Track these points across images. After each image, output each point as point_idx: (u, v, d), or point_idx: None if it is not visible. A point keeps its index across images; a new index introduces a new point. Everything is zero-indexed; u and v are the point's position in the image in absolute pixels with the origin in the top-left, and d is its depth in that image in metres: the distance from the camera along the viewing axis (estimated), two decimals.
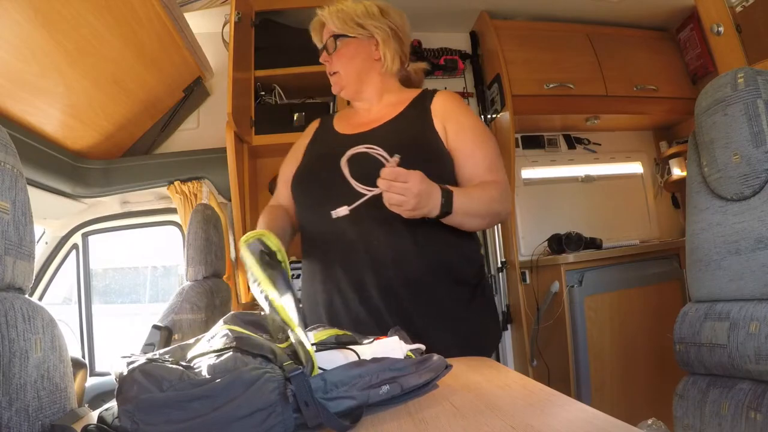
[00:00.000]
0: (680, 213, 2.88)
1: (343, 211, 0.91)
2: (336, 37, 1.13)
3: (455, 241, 1.03)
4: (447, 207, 0.91)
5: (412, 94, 1.16)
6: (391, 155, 0.89)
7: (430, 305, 0.99)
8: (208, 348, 0.56)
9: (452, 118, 1.07)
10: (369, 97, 1.17)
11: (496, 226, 2.62)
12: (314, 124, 1.25)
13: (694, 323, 0.96)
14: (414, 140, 1.04)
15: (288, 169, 1.17)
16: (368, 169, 0.89)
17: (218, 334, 0.58)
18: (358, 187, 0.90)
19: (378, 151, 0.91)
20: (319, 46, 1.19)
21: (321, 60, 1.17)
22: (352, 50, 1.13)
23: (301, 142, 1.22)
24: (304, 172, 1.12)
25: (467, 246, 1.07)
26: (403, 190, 0.85)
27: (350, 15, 1.12)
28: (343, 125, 1.18)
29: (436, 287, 1.00)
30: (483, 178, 1.03)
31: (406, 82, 1.24)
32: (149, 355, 0.55)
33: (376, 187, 0.87)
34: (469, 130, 1.07)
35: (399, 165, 0.87)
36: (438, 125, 1.06)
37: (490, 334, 1.10)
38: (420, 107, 1.11)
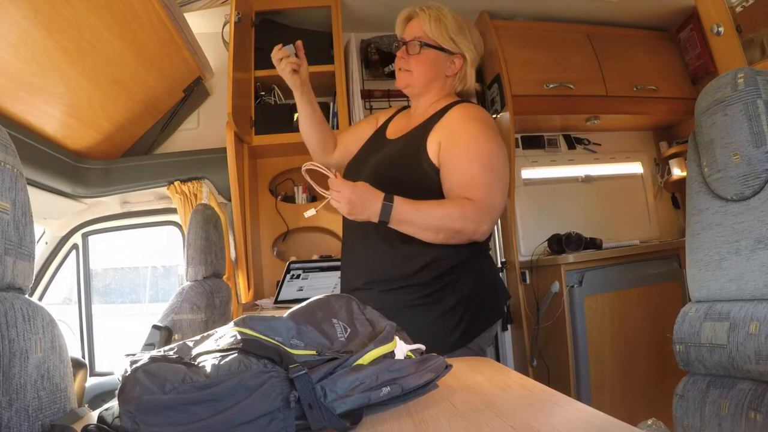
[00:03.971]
0: (680, 213, 2.88)
1: (311, 212, 1.08)
2: (424, 44, 1.20)
3: (407, 246, 1.11)
4: (384, 216, 1.03)
5: (442, 105, 1.22)
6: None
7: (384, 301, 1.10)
8: (215, 346, 0.56)
9: (450, 134, 1.13)
10: (423, 102, 1.26)
11: (495, 227, 2.62)
12: (387, 114, 1.37)
13: (694, 323, 0.96)
14: (404, 156, 1.17)
15: (356, 133, 1.38)
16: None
17: (227, 335, 0.57)
18: (320, 190, 1.07)
19: (319, 168, 1.09)
20: (399, 34, 1.27)
21: (399, 53, 1.24)
22: (433, 59, 1.21)
23: (371, 122, 1.38)
24: (351, 163, 1.31)
25: (423, 250, 1.11)
26: (338, 197, 1.02)
27: (447, 28, 1.19)
28: (393, 126, 1.31)
29: (390, 286, 1.13)
30: (461, 194, 1.08)
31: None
32: (153, 353, 0.55)
33: None
34: (459, 146, 1.11)
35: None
36: (433, 140, 1.13)
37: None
38: (430, 123, 1.18)
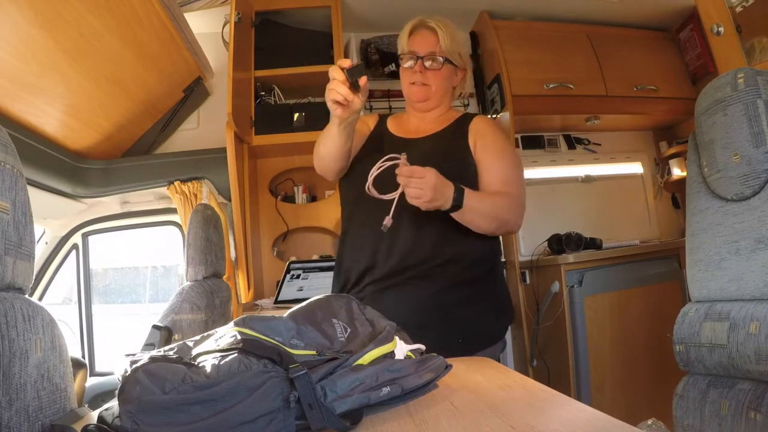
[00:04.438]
0: (680, 213, 2.88)
1: (388, 221, 0.99)
2: (446, 59, 1.23)
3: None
4: (458, 201, 1.03)
5: (456, 114, 1.30)
6: (428, 162, 1.03)
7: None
8: (215, 346, 0.56)
9: (482, 136, 1.21)
10: (434, 112, 1.29)
11: None
12: (374, 119, 1.35)
13: (694, 323, 0.96)
14: (448, 151, 1.20)
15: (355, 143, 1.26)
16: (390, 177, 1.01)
17: (227, 335, 0.57)
18: (386, 197, 1.01)
19: (390, 160, 1.00)
20: (407, 46, 1.24)
21: (413, 68, 1.23)
22: (449, 74, 1.26)
23: (361, 127, 1.29)
24: (359, 165, 1.23)
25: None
26: (421, 183, 0.97)
27: (458, 44, 1.25)
28: (399, 128, 1.31)
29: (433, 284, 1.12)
30: (497, 188, 1.16)
31: None
32: (153, 353, 0.55)
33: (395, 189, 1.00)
34: (492, 146, 1.20)
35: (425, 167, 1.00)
36: (471, 141, 1.21)
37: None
38: (460, 126, 1.25)
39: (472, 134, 1.22)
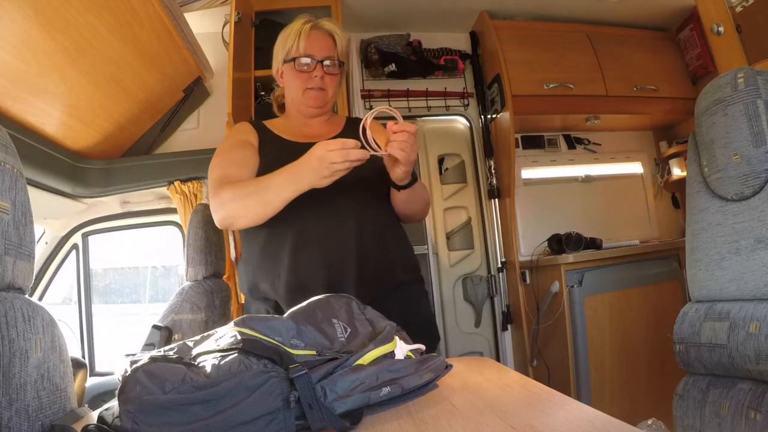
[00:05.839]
0: (680, 213, 2.88)
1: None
2: (342, 63, 1.19)
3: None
4: (415, 174, 1.05)
5: (340, 118, 1.29)
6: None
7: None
8: (215, 346, 0.56)
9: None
10: (322, 117, 1.23)
11: (495, 226, 2.63)
12: (249, 129, 1.21)
13: (694, 323, 0.96)
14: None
15: (253, 167, 1.14)
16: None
17: (227, 335, 0.57)
18: (374, 151, 0.94)
19: (392, 111, 0.96)
20: (303, 48, 1.16)
21: (312, 72, 1.15)
22: (340, 78, 1.22)
23: (248, 146, 1.17)
24: None
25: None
26: (411, 139, 0.94)
27: (347, 46, 1.22)
28: (289, 134, 1.19)
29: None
30: None
31: None
32: (153, 353, 0.55)
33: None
34: None
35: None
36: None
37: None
38: (355, 128, 1.13)
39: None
